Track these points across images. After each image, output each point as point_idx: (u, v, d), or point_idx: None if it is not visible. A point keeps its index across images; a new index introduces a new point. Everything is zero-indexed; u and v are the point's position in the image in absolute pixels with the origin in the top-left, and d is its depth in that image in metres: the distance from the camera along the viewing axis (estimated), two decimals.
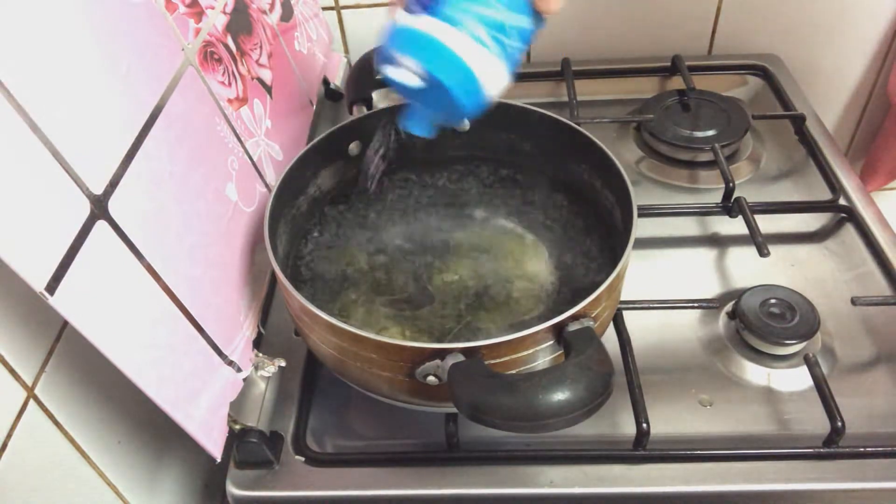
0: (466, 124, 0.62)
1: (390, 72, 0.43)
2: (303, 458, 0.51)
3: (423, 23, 0.41)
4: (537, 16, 0.44)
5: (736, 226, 0.64)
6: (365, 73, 0.64)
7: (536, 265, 0.59)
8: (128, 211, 0.41)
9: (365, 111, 0.62)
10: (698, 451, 0.50)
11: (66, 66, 0.38)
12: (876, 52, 0.89)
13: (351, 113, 0.63)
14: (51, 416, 0.45)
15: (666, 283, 0.62)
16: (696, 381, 0.55)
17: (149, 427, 0.56)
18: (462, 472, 0.50)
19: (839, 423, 0.48)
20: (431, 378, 0.44)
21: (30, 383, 0.43)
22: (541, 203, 0.63)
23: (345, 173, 0.62)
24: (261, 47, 0.64)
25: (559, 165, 0.60)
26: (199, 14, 0.54)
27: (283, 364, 0.55)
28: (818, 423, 0.49)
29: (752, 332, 0.55)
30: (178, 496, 0.61)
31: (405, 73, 0.42)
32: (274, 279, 0.61)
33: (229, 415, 0.49)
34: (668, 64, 0.85)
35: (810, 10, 0.86)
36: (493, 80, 0.43)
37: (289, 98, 0.69)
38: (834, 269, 0.63)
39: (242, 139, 0.57)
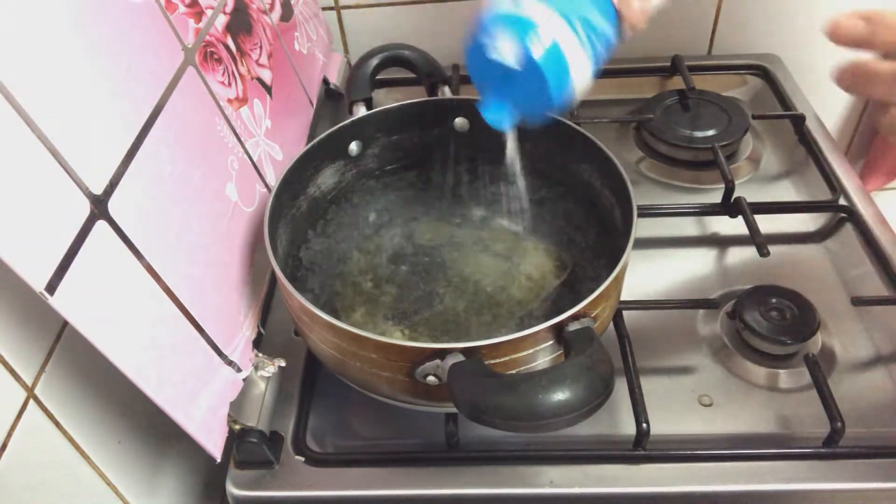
0: (465, 125, 0.62)
1: (487, 51, 0.42)
2: (303, 458, 0.51)
3: (527, 9, 0.42)
4: (619, 30, 0.45)
5: (736, 226, 0.64)
6: (365, 73, 0.64)
7: (536, 265, 0.59)
8: (127, 211, 0.41)
9: (365, 111, 0.62)
10: (698, 451, 0.50)
11: (66, 66, 0.38)
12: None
13: (351, 113, 0.62)
14: (51, 416, 0.45)
15: (666, 283, 0.62)
16: (696, 381, 0.55)
17: (149, 427, 0.56)
18: (462, 472, 0.50)
19: (839, 423, 0.48)
20: (431, 378, 0.44)
21: (30, 383, 0.43)
22: (540, 203, 0.63)
23: (345, 173, 0.62)
24: (261, 47, 0.64)
25: (559, 165, 0.60)
26: (199, 14, 0.54)
27: (283, 364, 0.55)
28: (818, 423, 0.49)
29: (752, 332, 0.55)
30: (178, 496, 0.61)
31: (502, 54, 0.42)
32: (274, 279, 0.61)
33: (229, 415, 0.49)
34: (668, 64, 0.85)
35: (810, 10, 0.86)
36: (581, 76, 0.43)
37: (289, 98, 0.69)
38: (834, 269, 0.63)
39: (242, 139, 0.57)
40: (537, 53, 0.41)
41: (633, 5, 0.43)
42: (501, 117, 0.46)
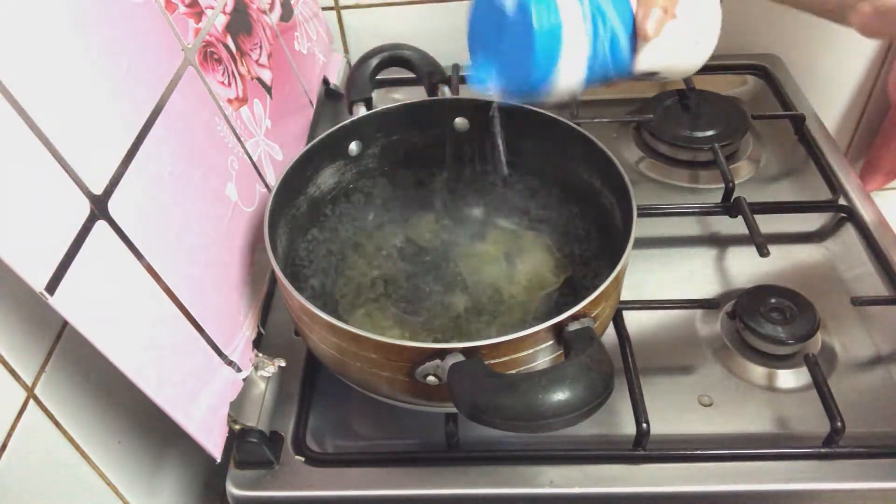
0: (465, 125, 0.62)
1: None
2: (303, 458, 0.51)
3: None
4: (633, 45, 0.44)
5: (736, 226, 0.64)
6: (365, 73, 0.64)
7: (536, 265, 0.59)
8: (127, 211, 0.41)
9: (365, 111, 0.62)
10: (698, 451, 0.50)
11: (67, 66, 0.38)
12: (876, 52, 0.89)
13: (351, 113, 0.63)
14: (51, 417, 0.45)
15: (666, 283, 0.62)
16: (696, 381, 0.55)
17: (149, 427, 0.56)
18: (462, 472, 0.50)
19: (839, 423, 0.48)
20: (431, 378, 0.44)
21: (30, 383, 0.43)
22: (540, 203, 0.63)
23: (345, 173, 0.62)
24: (261, 47, 0.64)
25: (559, 165, 0.60)
26: (199, 14, 0.54)
27: (283, 364, 0.55)
28: (818, 423, 0.49)
29: (752, 332, 0.55)
30: (178, 496, 0.61)
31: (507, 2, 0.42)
32: (274, 279, 0.61)
33: (229, 415, 0.49)
34: None
35: None
36: (571, 65, 0.42)
37: (289, 98, 0.69)
38: (834, 269, 0.63)
39: (242, 139, 0.57)
40: (539, 21, 0.40)
41: (651, 17, 0.42)
42: (483, 79, 0.47)
